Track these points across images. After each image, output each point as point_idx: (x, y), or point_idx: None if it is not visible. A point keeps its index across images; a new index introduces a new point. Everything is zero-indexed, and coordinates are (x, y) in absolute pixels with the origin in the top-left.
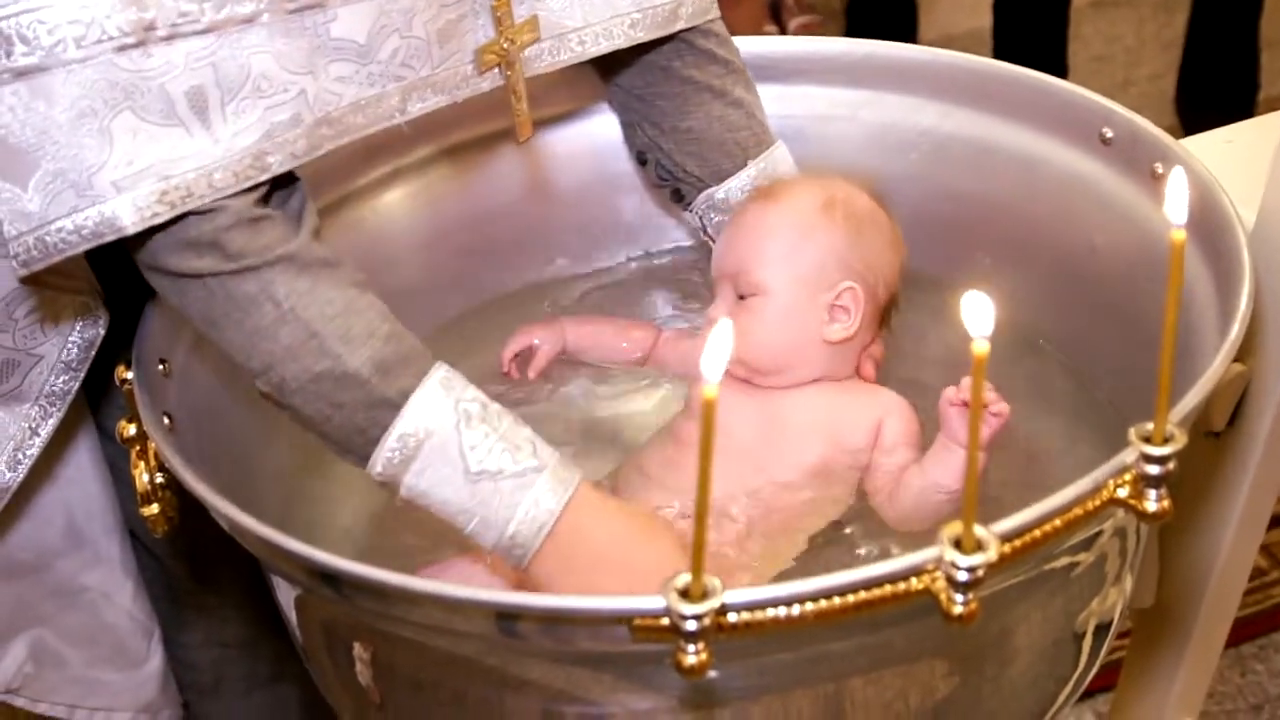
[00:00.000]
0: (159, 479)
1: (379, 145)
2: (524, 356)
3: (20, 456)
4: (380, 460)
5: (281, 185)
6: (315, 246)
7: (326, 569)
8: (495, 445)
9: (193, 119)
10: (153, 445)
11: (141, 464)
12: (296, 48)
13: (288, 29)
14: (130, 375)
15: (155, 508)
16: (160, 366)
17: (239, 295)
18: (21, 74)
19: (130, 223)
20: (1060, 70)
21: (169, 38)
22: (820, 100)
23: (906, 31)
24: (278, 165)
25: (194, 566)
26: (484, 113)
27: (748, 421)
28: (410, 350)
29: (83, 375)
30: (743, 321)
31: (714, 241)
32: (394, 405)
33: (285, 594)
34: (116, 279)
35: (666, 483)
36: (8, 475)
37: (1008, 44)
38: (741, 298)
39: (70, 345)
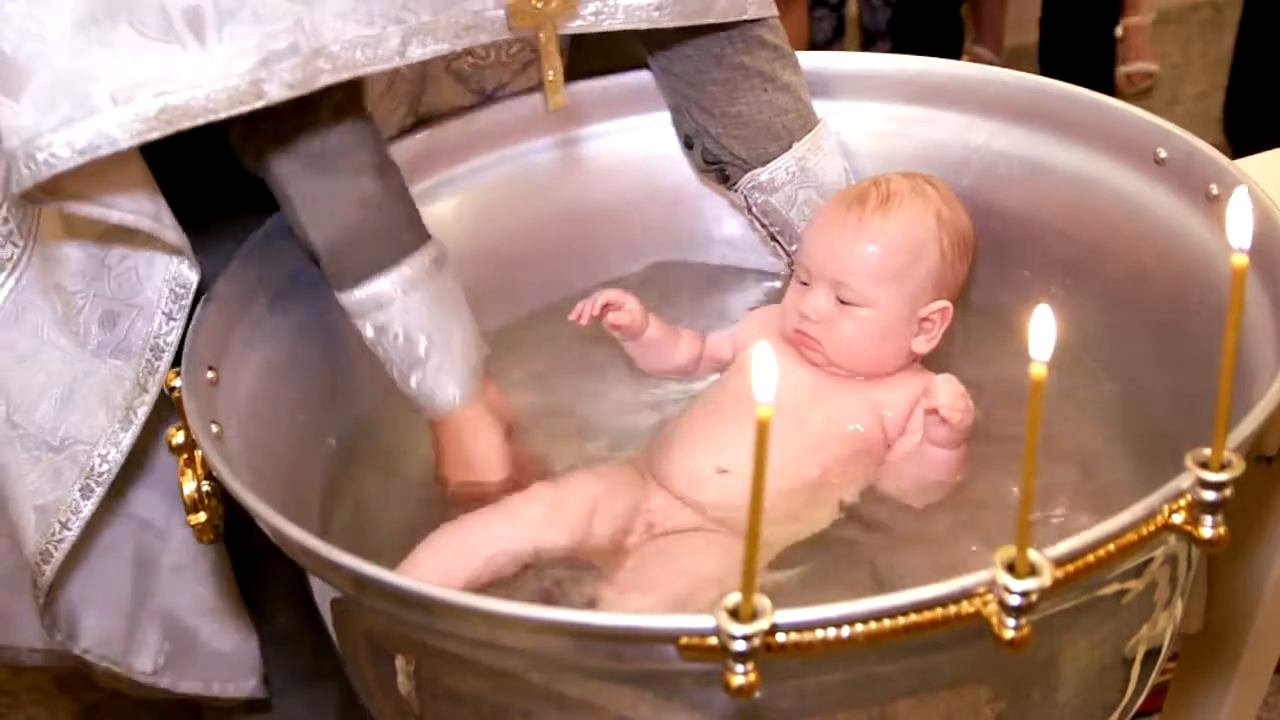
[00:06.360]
0: (205, 487)
1: (429, 155)
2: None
3: (132, 416)
4: None
5: None
6: None
7: (374, 582)
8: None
9: (189, 36)
10: (200, 454)
11: (189, 472)
12: None
13: None
14: (178, 383)
15: (202, 516)
16: (209, 374)
17: None
18: None
19: (124, 137)
20: (1107, 87)
21: None
22: (872, 116)
23: (952, 48)
24: (274, 93)
25: (239, 560)
26: (535, 125)
27: (800, 387)
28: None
29: (182, 324)
30: (843, 327)
31: (760, 220)
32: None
33: (326, 604)
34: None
35: (705, 441)
36: (122, 436)
37: (1054, 61)
38: (842, 302)
39: (165, 293)
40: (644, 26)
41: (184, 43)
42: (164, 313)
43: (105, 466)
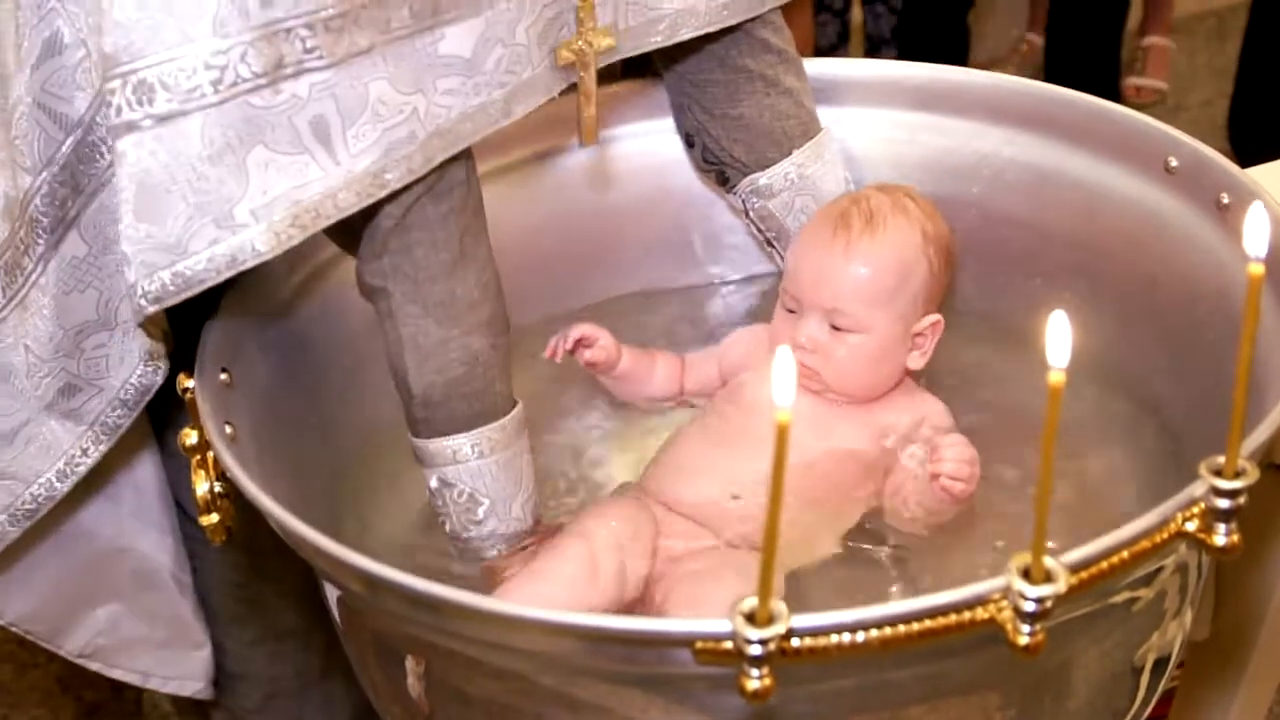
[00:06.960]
0: (218, 488)
1: None
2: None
3: (69, 471)
4: None
5: None
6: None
7: (386, 583)
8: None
9: (317, 146)
10: (212, 455)
11: (201, 472)
12: (408, 69)
13: (399, 53)
14: (192, 384)
15: (214, 517)
16: (223, 376)
17: None
18: (163, 119)
19: (268, 248)
20: (1113, 95)
21: (296, 74)
22: (880, 123)
23: (958, 54)
24: (395, 181)
25: (252, 557)
26: (541, 130)
27: (799, 415)
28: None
29: (134, 415)
30: (839, 355)
31: (757, 224)
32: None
33: (335, 604)
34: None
35: (717, 469)
36: (57, 485)
37: (1060, 68)
38: (836, 328)
39: (129, 386)
40: (714, 28)
41: (313, 152)
42: (121, 400)
43: (34, 505)
